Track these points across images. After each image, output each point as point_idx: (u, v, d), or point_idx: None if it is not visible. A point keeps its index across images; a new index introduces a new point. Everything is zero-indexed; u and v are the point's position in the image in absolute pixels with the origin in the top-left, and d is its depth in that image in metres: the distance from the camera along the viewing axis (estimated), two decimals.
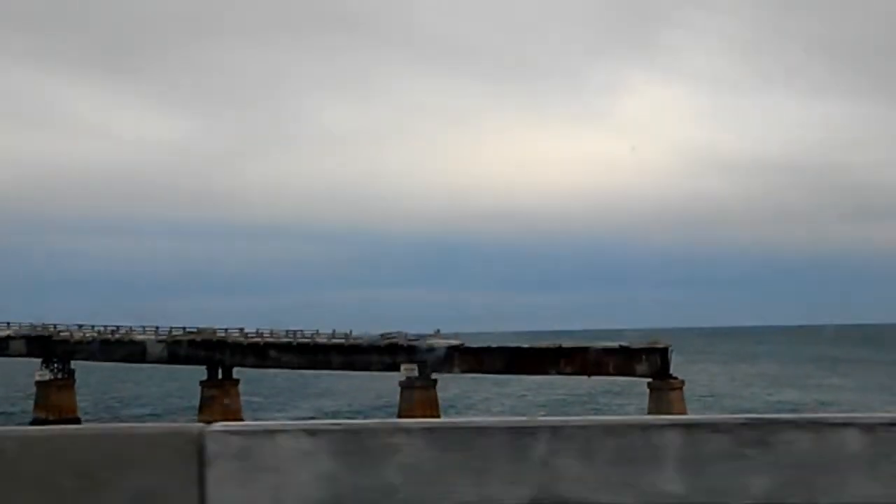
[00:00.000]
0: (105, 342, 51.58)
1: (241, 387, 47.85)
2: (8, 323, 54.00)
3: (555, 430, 2.43)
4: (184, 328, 51.31)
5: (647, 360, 40.27)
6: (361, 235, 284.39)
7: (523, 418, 2.62)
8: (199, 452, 2.48)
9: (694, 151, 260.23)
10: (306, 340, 48.46)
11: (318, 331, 49.56)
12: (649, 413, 36.68)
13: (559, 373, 43.73)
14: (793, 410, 42.29)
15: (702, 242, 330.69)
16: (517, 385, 60.73)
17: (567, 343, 44.40)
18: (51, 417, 44.67)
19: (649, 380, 39.81)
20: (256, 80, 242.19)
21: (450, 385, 50.14)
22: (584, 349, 42.47)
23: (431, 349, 43.41)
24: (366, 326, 49.29)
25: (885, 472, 2.31)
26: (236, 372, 47.94)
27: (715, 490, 2.32)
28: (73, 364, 51.71)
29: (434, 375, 43.79)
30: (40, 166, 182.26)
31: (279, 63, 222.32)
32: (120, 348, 51.62)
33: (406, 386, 42.84)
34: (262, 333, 50.37)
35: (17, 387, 60.82)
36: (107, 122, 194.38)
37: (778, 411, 43.01)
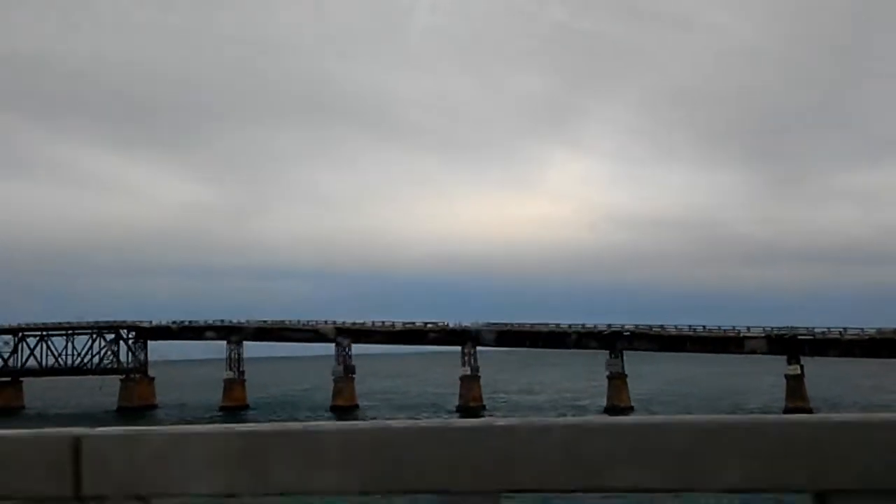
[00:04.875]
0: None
1: None
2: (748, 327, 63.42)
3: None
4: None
5: None
6: (342, 274, 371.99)
7: None
8: None
9: (602, 211, 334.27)
10: None
11: None
12: None
13: None
14: None
15: (603, 280, 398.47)
16: None
17: None
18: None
19: None
20: (264, 154, 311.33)
21: None
22: None
23: None
24: None
25: None
26: None
27: None
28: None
29: None
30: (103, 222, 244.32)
31: (282, 140, 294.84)
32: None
33: None
34: None
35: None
36: (152, 188, 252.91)
37: None
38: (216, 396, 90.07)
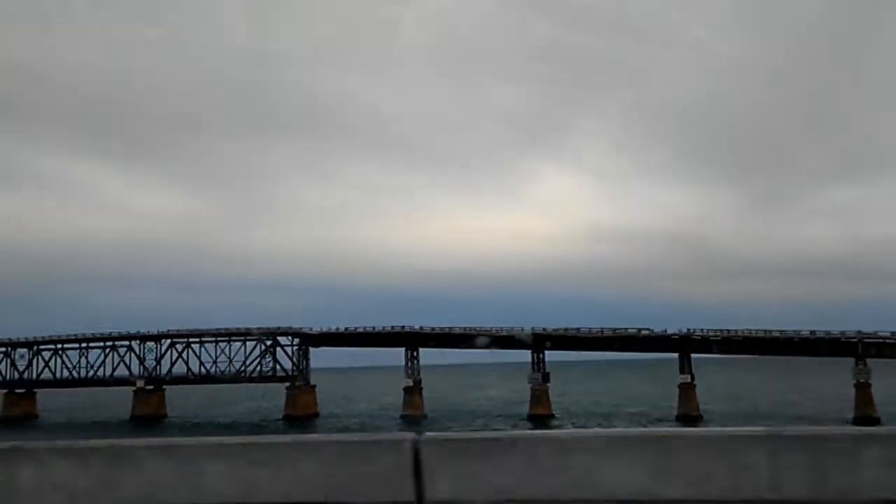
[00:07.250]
0: None
1: None
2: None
3: None
4: None
5: None
6: (329, 288, 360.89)
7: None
8: None
9: (590, 224, 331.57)
10: None
11: None
12: None
13: None
14: None
15: (593, 293, 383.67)
16: None
17: None
18: None
19: None
20: (251, 166, 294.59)
21: None
22: None
23: None
24: None
25: None
26: None
27: None
28: None
29: None
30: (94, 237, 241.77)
31: (268, 153, 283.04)
32: None
33: None
34: None
35: None
36: (137, 200, 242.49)
37: None
38: (368, 405, 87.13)
